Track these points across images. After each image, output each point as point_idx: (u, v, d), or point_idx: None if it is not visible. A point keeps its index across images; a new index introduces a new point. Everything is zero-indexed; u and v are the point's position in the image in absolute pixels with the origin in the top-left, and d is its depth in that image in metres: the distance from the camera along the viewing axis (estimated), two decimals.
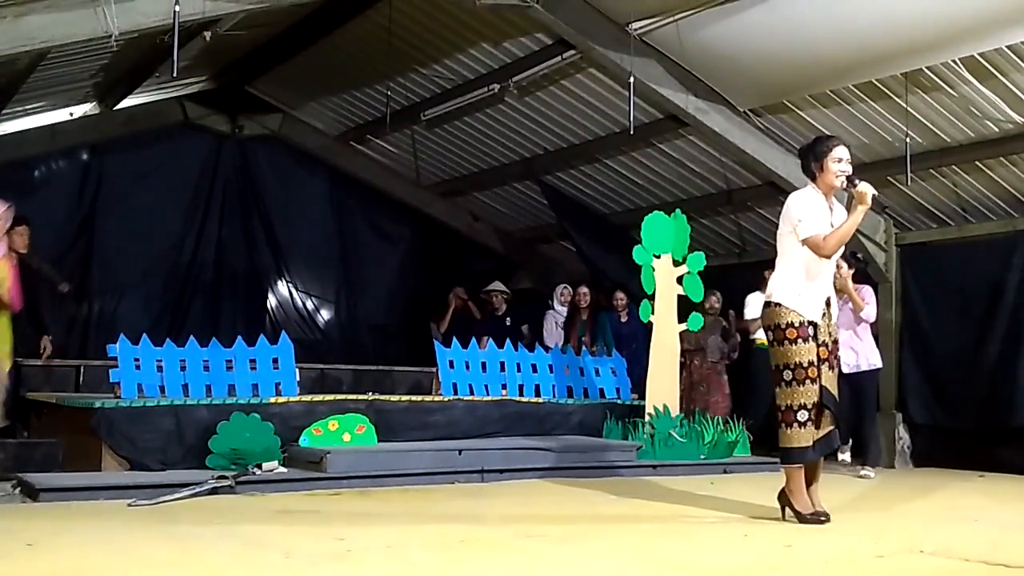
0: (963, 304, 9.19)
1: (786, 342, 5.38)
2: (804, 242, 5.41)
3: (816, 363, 5.36)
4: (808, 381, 5.35)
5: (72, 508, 5.69)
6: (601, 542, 4.93)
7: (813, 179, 5.56)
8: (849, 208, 5.52)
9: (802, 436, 5.37)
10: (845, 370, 7.81)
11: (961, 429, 9.08)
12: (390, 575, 4.12)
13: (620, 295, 10.37)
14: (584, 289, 10.69)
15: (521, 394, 8.95)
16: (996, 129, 8.22)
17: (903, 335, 9.67)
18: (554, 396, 9.09)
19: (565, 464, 7.81)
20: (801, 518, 5.41)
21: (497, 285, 11.71)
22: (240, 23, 8.55)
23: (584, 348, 10.15)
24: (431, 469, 7.22)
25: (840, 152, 5.50)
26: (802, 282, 5.43)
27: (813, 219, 5.41)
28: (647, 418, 8.68)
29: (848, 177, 5.45)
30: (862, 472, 8.26)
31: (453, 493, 6.75)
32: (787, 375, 5.39)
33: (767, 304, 5.51)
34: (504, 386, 8.95)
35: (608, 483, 7.42)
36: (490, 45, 9.51)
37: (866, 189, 5.38)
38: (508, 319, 11.45)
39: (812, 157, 5.56)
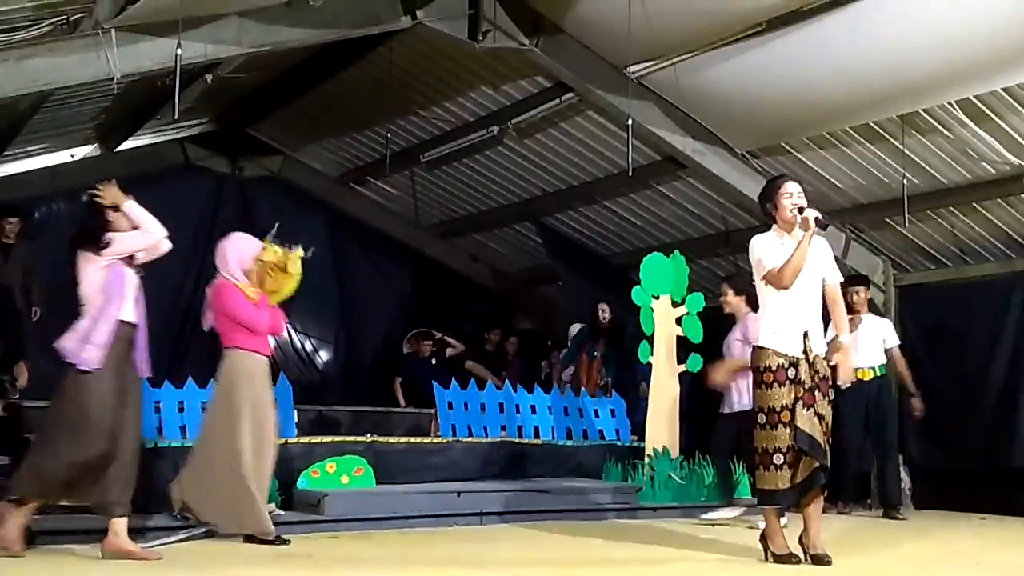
0: (962, 345, 9.18)
1: (763, 385, 5.41)
2: (763, 278, 5.47)
3: (790, 406, 5.35)
4: (781, 425, 5.34)
5: (69, 551, 5.65)
6: None
7: (773, 220, 5.63)
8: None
9: (777, 479, 5.36)
10: (725, 410, 7.61)
11: (962, 471, 9.04)
12: None
13: None
14: (604, 305, 10.22)
15: (520, 435, 8.92)
16: (993, 171, 8.24)
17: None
18: (553, 437, 9.06)
19: (564, 507, 7.77)
20: (776, 559, 5.46)
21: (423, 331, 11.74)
22: (241, 66, 8.61)
23: (589, 374, 10.00)
24: (430, 512, 7.18)
25: (790, 187, 5.57)
26: (776, 320, 5.46)
27: (769, 256, 5.48)
28: (647, 460, 8.65)
29: (799, 209, 5.50)
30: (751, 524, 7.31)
31: (452, 536, 6.71)
32: (762, 418, 5.41)
33: (752, 347, 5.57)
34: (503, 427, 8.92)
35: (607, 526, 7.39)
36: (489, 88, 9.57)
37: (809, 214, 5.44)
38: (433, 359, 11.53)
39: (765, 199, 5.66)
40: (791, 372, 5.37)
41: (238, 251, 6.40)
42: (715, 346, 9.47)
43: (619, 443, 9.32)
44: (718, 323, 9.40)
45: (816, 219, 5.41)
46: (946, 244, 9.28)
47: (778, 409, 5.35)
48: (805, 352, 5.40)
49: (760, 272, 5.49)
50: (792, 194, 5.53)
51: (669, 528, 7.34)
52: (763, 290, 5.55)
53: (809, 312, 5.48)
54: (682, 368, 8.85)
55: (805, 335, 5.42)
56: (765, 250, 5.51)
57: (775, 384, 5.37)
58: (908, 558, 6.12)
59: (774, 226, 5.62)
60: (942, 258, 9.48)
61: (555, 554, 5.99)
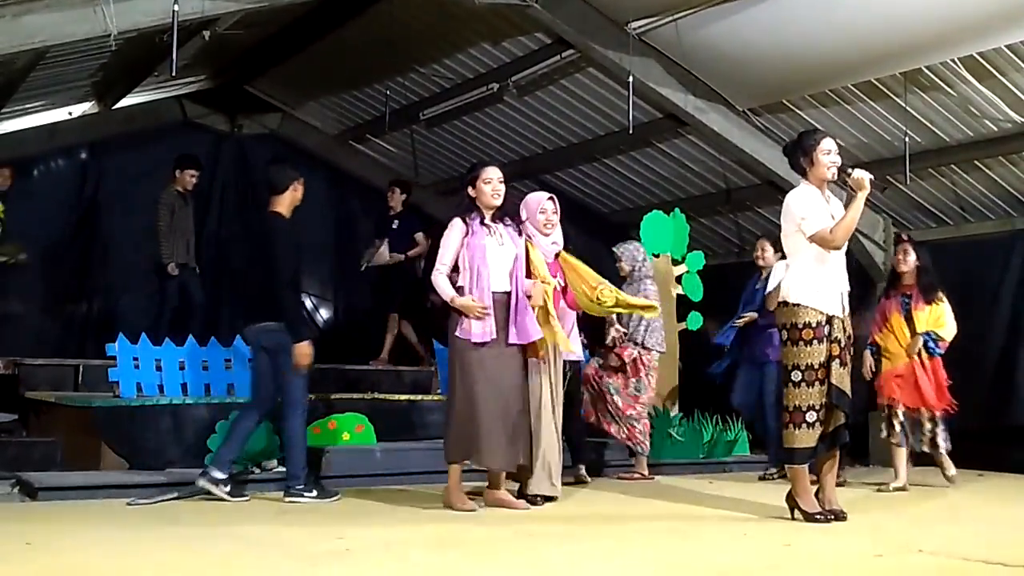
0: (962, 303, 9.11)
1: (801, 343, 5.38)
2: (812, 238, 5.42)
3: (827, 363, 5.36)
4: (818, 383, 5.35)
5: (71, 507, 5.70)
6: (600, 541, 4.93)
7: (804, 174, 5.61)
8: (848, 200, 5.53)
9: (808, 437, 5.37)
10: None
11: (961, 428, 9.05)
12: (390, 575, 4.12)
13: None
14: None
15: None
16: (995, 128, 8.22)
17: None
18: None
19: (564, 463, 7.78)
20: (808, 517, 5.43)
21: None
22: (239, 22, 8.53)
23: None
24: (430, 468, 7.21)
25: (828, 144, 5.55)
26: (817, 278, 5.43)
27: (815, 215, 5.44)
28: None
29: (839, 168, 5.49)
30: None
31: None
32: (796, 376, 5.38)
33: (783, 303, 5.49)
34: None
35: (607, 482, 7.43)
36: (489, 44, 9.50)
37: (861, 175, 5.43)
38: (396, 222, 10.60)
39: (801, 152, 5.61)
40: (827, 329, 5.37)
41: (528, 211, 6.43)
42: (715, 303, 9.51)
43: None
44: (718, 281, 9.44)
45: (871, 180, 5.43)
46: (947, 202, 9.26)
47: (816, 367, 5.35)
48: (841, 310, 5.44)
49: (807, 230, 5.41)
50: (830, 151, 5.52)
51: (668, 485, 7.39)
52: (799, 247, 5.49)
53: (841, 270, 5.53)
54: (682, 326, 8.86)
55: (842, 294, 5.47)
56: (809, 208, 5.45)
57: (814, 341, 5.35)
58: (906, 513, 6.17)
59: (804, 181, 5.58)
60: (943, 216, 9.47)
61: (555, 510, 6.01)
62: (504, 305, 5.93)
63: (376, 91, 10.90)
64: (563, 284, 6.39)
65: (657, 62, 8.63)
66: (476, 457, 5.91)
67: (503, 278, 5.96)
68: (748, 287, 8.26)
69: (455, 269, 6.06)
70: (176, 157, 9.81)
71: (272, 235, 6.29)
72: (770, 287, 7.36)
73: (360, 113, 11.74)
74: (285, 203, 6.37)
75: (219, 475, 6.02)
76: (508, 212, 6.18)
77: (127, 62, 9.32)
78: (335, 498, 6.19)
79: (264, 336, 6.22)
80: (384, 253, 10.34)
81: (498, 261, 5.97)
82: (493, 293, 5.90)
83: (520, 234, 6.18)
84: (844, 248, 5.53)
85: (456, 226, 6.06)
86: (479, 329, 5.84)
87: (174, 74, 7.42)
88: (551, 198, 6.41)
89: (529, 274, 6.11)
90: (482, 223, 6.04)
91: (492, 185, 6.05)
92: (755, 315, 7.84)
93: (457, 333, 5.90)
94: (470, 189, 6.10)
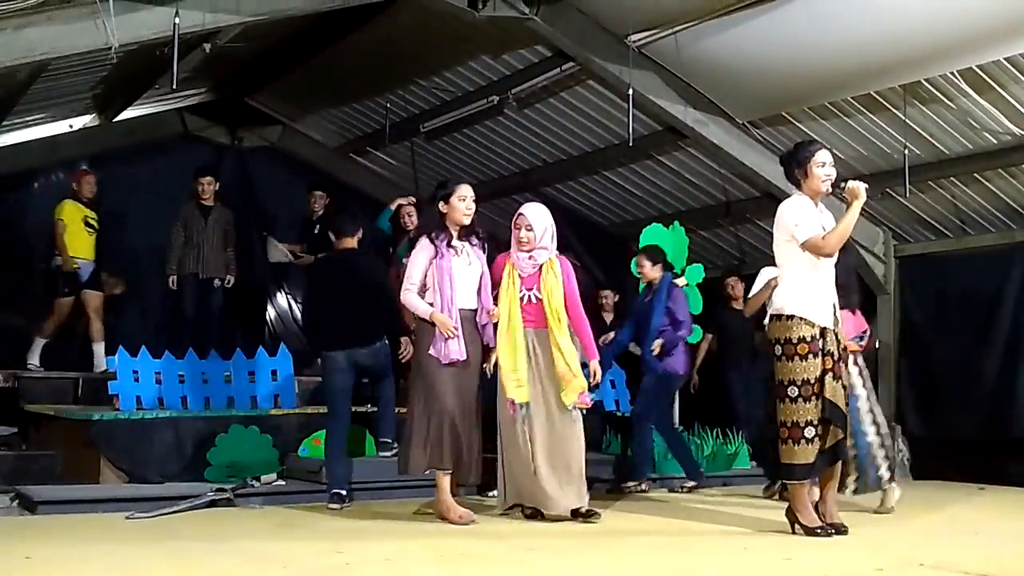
0: (962, 316, 9.19)
1: (796, 358, 5.34)
2: (803, 245, 5.40)
3: (821, 378, 5.34)
4: (814, 397, 5.32)
5: (70, 521, 5.69)
6: (600, 556, 4.92)
7: (798, 185, 5.60)
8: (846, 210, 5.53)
9: (807, 452, 5.33)
10: None
11: (961, 441, 9.06)
12: None
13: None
14: (411, 209, 9.78)
15: None
16: (995, 141, 8.23)
17: (902, 347, 9.67)
18: None
19: None
20: (809, 531, 5.40)
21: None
22: (240, 35, 8.56)
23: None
24: (431, 481, 7.19)
25: (823, 156, 5.53)
26: (809, 289, 5.41)
27: (808, 222, 5.42)
28: None
29: (833, 183, 5.49)
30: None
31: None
32: (792, 391, 5.34)
33: (777, 317, 5.46)
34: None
35: (607, 497, 7.41)
36: (490, 57, 9.52)
37: (856, 185, 5.43)
38: (317, 227, 10.52)
39: (795, 164, 5.59)
40: (821, 343, 5.35)
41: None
42: (715, 317, 9.52)
43: (619, 414, 9.33)
44: (718, 293, 9.46)
45: (866, 189, 5.43)
46: (947, 214, 9.27)
47: (812, 381, 5.32)
48: (834, 322, 5.42)
49: (800, 237, 5.39)
50: (825, 164, 5.51)
51: (668, 499, 7.37)
52: (792, 257, 5.47)
53: (832, 283, 5.51)
54: None
55: (833, 305, 5.45)
56: (802, 216, 5.43)
57: (809, 355, 5.32)
58: (906, 527, 6.15)
59: (797, 192, 5.58)
60: (943, 229, 9.48)
61: (554, 524, 6.00)
62: (471, 321, 6.02)
63: (376, 104, 10.92)
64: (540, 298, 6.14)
65: (657, 75, 8.64)
66: (444, 464, 5.96)
67: (470, 296, 6.04)
68: (637, 303, 8.24)
69: (423, 287, 6.07)
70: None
71: (375, 269, 7.26)
72: (754, 291, 7.36)
73: (360, 126, 11.76)
74: (356, 243, 7.08)
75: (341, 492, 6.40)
76: (475, 230, 6.18)
77: (128, 75, 9.34)
78: (346, 504, 6.37)
79: (366, 357, 6.75)
80: (282, 248, 10.59)
81: (465, 280, 6.04)
82: (461, 310, 5.97)
83: (485, 251, 6.20)
84: (834, 260, 5.53)
85: (424, 246, 6.08)
86: (454, 347, 5.88)
87: (175, 87, 7.44)
88: (521, 214, 6.21)
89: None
90: (449, 244, 6.05)
91: (467, 203, 6.09)
92: (661, 341, 7.85)
93: (431, 353, 5.92)
94: (442, 204, 6.09)
